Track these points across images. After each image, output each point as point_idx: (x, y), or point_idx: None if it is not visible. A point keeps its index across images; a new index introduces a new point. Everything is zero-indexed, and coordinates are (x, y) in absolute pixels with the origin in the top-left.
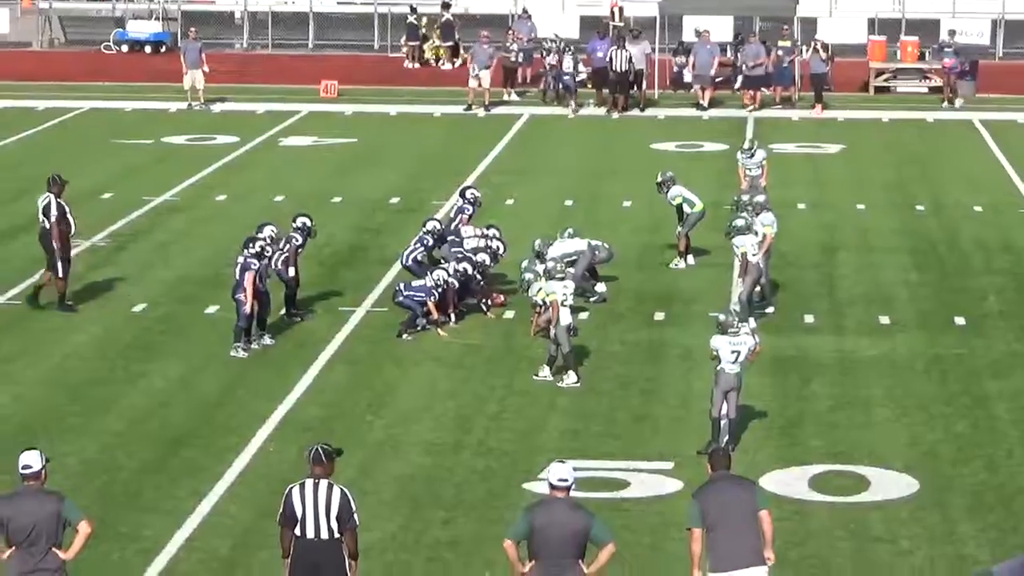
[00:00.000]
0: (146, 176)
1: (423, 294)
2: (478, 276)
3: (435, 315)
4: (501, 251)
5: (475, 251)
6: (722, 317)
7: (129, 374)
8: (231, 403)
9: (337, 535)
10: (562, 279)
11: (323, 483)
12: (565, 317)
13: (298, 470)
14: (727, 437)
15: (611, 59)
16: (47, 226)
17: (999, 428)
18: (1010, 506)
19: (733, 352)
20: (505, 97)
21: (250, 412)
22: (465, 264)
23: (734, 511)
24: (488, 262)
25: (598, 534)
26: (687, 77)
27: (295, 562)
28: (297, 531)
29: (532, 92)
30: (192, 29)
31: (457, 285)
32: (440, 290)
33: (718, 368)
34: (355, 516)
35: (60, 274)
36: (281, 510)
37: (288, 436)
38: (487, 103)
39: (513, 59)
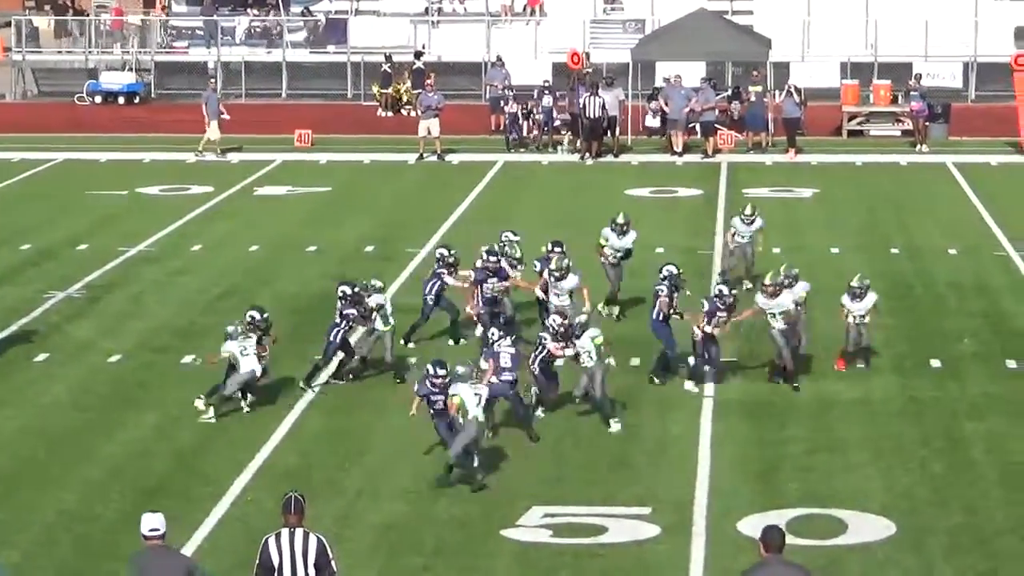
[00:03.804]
0: (121, 227)
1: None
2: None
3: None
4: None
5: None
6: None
7: (106, 424)
8: (208, 452)
9: None
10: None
11: (299, 531)
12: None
13: (276, 519)
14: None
15: (584, 105)
16: None
17: (976, 470)
18: (987, 548)
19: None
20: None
21: (227, 461)
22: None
23: None
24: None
25: None
26: (650, 121)
27: None
28: None
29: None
30: (212, 79)
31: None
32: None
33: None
34: (333, 563)
35: None
36: (257, 560)
37: (265, 485)
38: (439, 151)
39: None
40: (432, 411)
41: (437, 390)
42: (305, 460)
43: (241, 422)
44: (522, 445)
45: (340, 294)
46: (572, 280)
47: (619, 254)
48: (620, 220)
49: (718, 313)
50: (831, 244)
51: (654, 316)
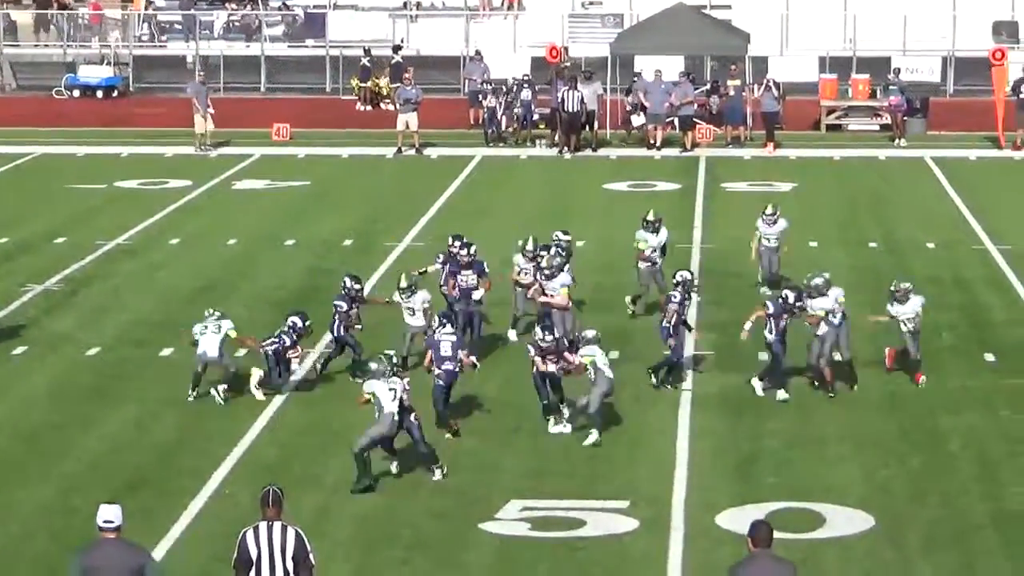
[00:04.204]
0: (99, 220)
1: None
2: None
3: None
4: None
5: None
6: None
7: (84, 418)
8: (186, 446)
9: None
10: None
11: (276, 525)
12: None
13: (254, 513)
14: None
15: (563, 100)
16: None
17: (954, 464)
18: (965, 542)
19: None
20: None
21: (206, 455)
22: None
23: None
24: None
25: (153, 572)
26: (636, 121)
27: None
28: (252, 574)
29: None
30: (201, 72)
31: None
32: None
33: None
34: (311, 556)
35: None
36: (235, 554)
37: (244, 478)
38: (417, 145)
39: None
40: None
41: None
42: (283, 453)
43: (219, 415)
44: (500, 438)
45: (341, 284)
46: (563, 278)
47: (656, 252)
48: (651, 217)
49: (784, 316)
50: (809, 238)
51: (664, 323)
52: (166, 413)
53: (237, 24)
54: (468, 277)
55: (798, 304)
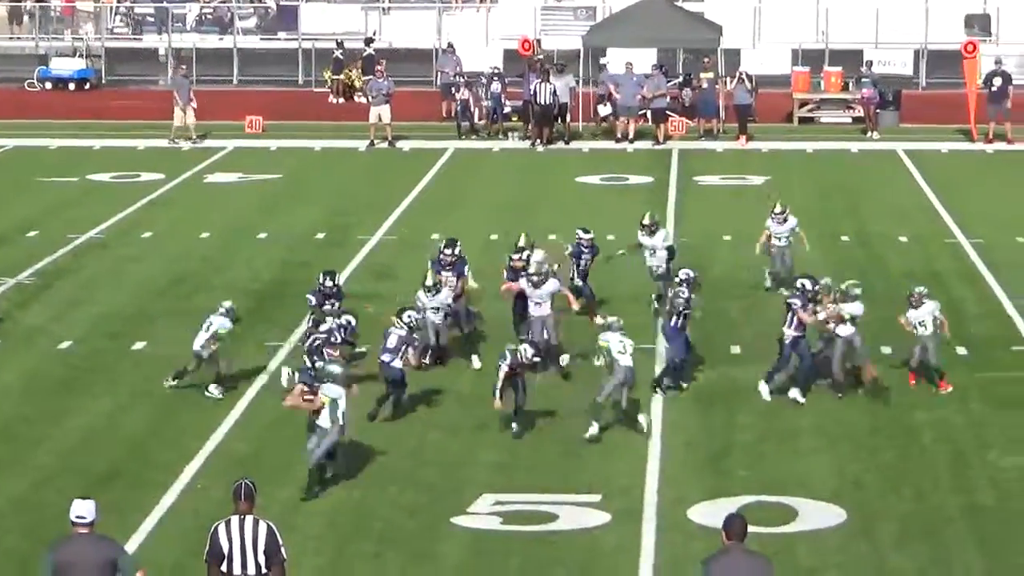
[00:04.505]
0: (71, 213)
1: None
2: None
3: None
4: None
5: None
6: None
7: (56, 411)
8: (159, 439)
9: (265, 571)
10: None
11: (248, 519)
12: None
13: (227, 506)
14: None
15: (535, 92)
16: None
17: (926, 458)
18: (937, 535)
19: None
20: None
21: (178, 448)
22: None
23: None
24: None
25: (125, 565)
26: (603, 110)
27: None
28: (224, 568)
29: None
30: (183, 66)
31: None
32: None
33: None
34: (283, 550)
35: None
36: (208, 547)
37: (217, 472)
38: (389, 138)
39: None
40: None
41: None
42: (256, 447)
43: (192, 409)
44: (472, 432)
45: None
46: (552, 285)
47: (655, 255)
48: (646, 221)
49: (807, 305)
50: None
51: (671, 322)
52: (138, 406)
53: (210, 16)
54: (448, 277)
55: (815, 289)
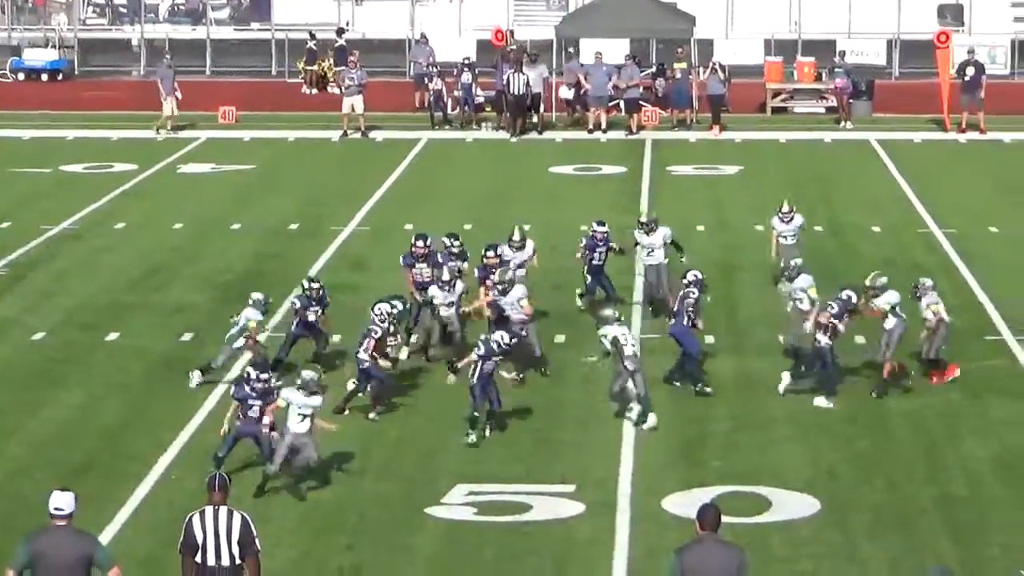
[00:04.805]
0: (44, 204)
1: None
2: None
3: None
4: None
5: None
6: None
7: (30, 403)
8: (133, 431)
9: (239, 561)
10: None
11: (223, 510)
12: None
13: (200, 497)
14: None
15: (508, 83)
16: None
17: (900, 448)
18: (911, 525)
19: None
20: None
21: (152, 440)
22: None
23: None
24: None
25: (101, 559)
26: (564, 93)
27: None
28: (198, 558)
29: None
30: (167, 56)
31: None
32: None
33: None
34: (257, 542)
35: None
36: (182, 538)
37: (190, 463)
38: (362, 128)
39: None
40: (241, 417)
41: (256, 394)
42: None
43: (165, 400)
44: (446, 422)
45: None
46: (518, 291)
47: (654, 253)
48: (643, 219)
49: (845, 316)
50: (755, 222)
51: (684, 321)
52: (112, 397)
53: (182, 7)
54: (423, 270)
55: (857, 303)
